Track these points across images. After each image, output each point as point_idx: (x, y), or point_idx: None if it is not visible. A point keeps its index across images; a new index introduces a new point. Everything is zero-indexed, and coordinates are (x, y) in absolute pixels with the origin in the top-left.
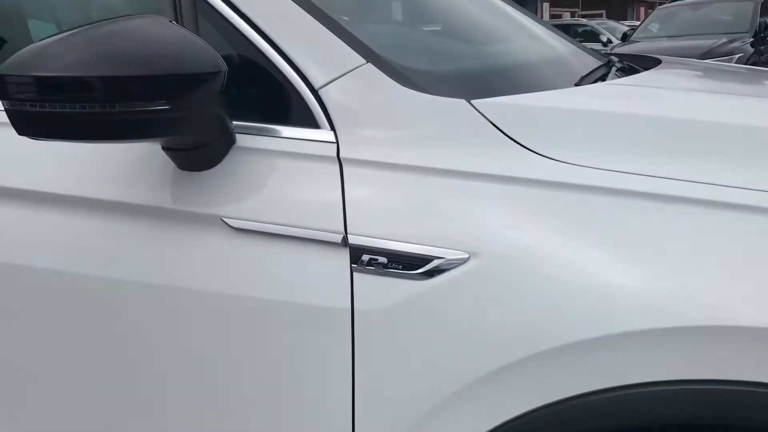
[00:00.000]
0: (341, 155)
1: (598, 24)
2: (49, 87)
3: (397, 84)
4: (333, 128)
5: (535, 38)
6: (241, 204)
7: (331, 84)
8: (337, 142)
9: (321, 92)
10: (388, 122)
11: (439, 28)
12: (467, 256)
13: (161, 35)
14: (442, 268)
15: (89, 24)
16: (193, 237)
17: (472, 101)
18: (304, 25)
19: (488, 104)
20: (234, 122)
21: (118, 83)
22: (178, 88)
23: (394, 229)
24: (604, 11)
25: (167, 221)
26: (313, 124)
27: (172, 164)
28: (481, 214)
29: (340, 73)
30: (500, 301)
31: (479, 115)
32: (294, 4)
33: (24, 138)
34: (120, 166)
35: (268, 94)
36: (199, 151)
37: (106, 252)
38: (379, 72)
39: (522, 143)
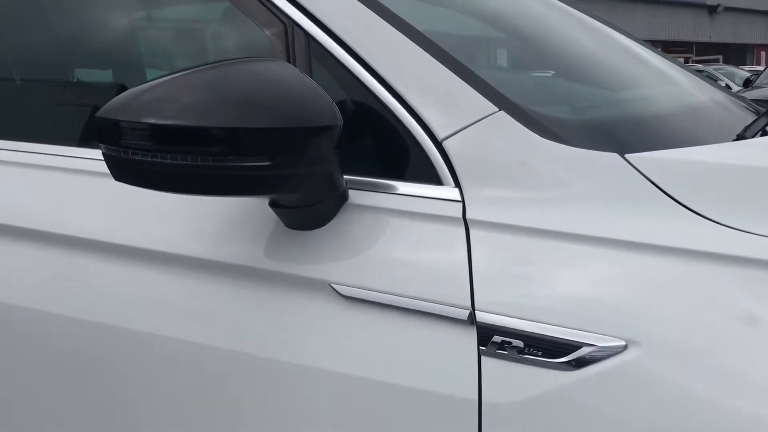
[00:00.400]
0: (468, 216)
1: (715, 69)
2: (158, 135)
3: (535, 134)
4: (458, 185)
5: (677, 83)
6: (352, 269)
7: (456, 134)
8: (463, 201)
9: (445, 144)
10: (524, 179)
11: (561, 71)
12: (624, 344)
13: (283, 81)
14: (592, 357)
15: (200, 66)
16: (298, 303)
17: (626, 156)
18: (426, 68)
19: (646, 159)
20: (346, 176)
21: (236, 135)
22: (293, 143)
23: (532, 306)
24: (720, 57)
25: (269, 284)
26: (436, 179)
27: (277, 221)
28: (642, 293)
29: (467, 123)
30: (663, 403)
31: (636, 172)
32: (414, 44)
33: (116, 190)
34: (219, 221)
35: (385, 146)
36: (308, 208)
37: (203, 316)
38: (514, 121)
39: (691, 207)
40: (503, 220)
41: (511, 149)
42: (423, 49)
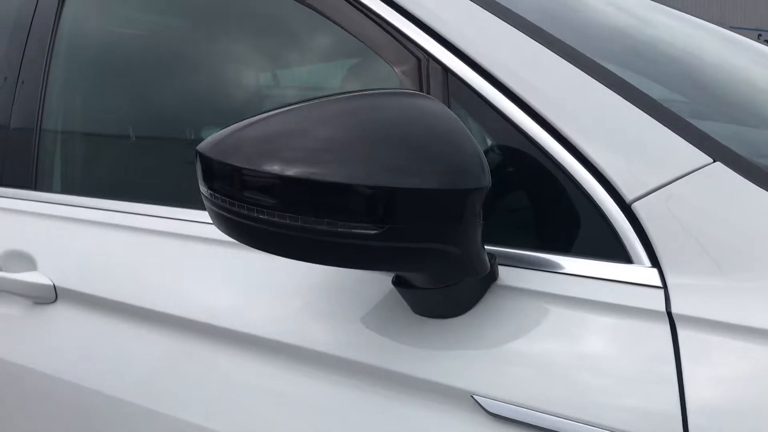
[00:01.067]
0: (673, 309)
1: None
2: (283, 191)
3: (763, 190)
4: (656, 263)
5: None
6: (503, 377)
7: (652, 194)
8: (665, 287)
9: (635, 207)
10: (755, 257)
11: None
12: None
13: (423, 124)
14: None
15: (323, 98)
16: (428, 418)
17: None
18: (604, 106)
19: None
20: (496, 248)
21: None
22: (417, 208)
23: None
24: None
25: (389, 390)
26: (621, 255)
27: (402, 305)
28: None
29: (667, 179)
30: None
31: None
32: (588, 77)
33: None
34: (331, 301)
35: (549, 208)
36: (443, 290)
37: (308, 417)
38: (736, 175)
39: None
40: (728, 318)
41: (732, 214)
42: (597, 80)
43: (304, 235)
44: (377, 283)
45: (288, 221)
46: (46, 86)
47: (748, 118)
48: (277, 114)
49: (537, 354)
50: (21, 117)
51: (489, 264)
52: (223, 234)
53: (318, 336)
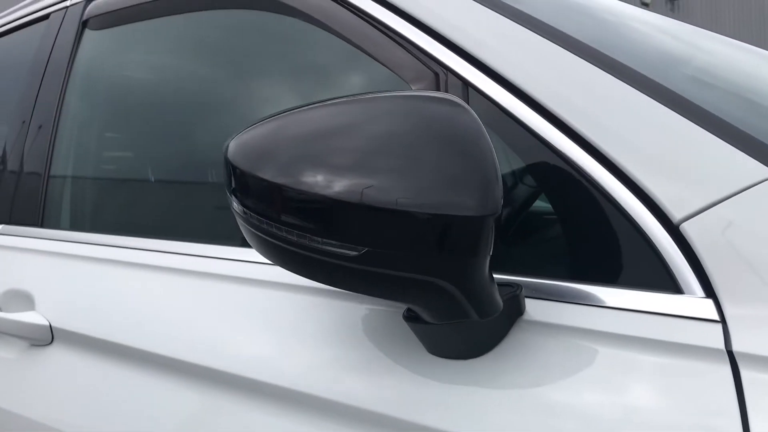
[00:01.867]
0: (734, 346)
1: None
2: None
3: None
4: (712, 293)
5: None
6: (530, 425)
7: (703, 213)
8: (723, 321)
9: (685, 227)
10: None
11: None
12: None
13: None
14: None
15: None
16: None
17: None
18: (643, 113)
19: None
20: (523, 279)
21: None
22: (398, 232)
23: None
24: None
25: None
26: (668, 284)
27: (417, 344)
28: None
29: (723, 194)
30: None
31: None
32: (618, 80)
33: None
34: (347, 339)
35: (581, 232)
36: (456, 326)
37: None
38: None
39: None
40: None
41: None
42: (634, 87)
43: (291, 247)
44: (393, 321)
45: (285, 234)
46: (56, 129)
47: None
48: (286, 119)
49: (571, 402)
50: (32, 158)
51: (499, 303)
52: (227, 270)
53: (327, 385)
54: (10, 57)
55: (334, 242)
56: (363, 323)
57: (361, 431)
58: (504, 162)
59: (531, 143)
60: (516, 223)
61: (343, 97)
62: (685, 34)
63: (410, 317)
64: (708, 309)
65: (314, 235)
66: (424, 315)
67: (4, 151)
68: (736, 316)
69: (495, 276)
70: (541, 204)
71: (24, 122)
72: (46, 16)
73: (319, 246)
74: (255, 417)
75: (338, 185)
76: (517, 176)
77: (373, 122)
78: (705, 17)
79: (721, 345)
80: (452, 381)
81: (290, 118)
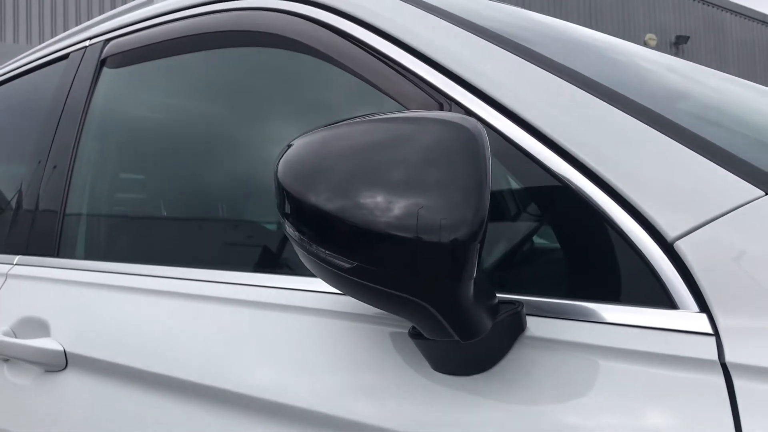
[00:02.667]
0: (727, 357)
1: None
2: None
3: None
4: (706, 308)
5: None
6: None
7: (696, 231)
8: (717, 334)
9: (679, 245)
10: None
11: None
12: None
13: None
14: None
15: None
16: None
17: None
18: (638, 139)
19: None
20: (522, 297)
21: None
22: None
23: None
24: None
25: None
26: (663, 300)
27: (422, 361)
28: None
29: (716, 213)
30: None
31: None
32: (612, 107)
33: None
34: (351, 358)
35: (582, 253)
36: (458, 343)
37: None
38: None
39: None
40: None
41: None
42: (632, 115)
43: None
44: (396, 340)
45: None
46: (73, 164)
47: None
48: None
49: (572, 415)
50: (49, 192)
51: (484, 326)
52: (232, 294)
53: (336, 403)
54: (32, 95)
55: (330, 252)
56: (372, 342)
57: None
58: (507, 186)
59: (533, 169)
60: (519, 244)
61: (366, 116)
62: (687, 69)
63: (415, 334)
64: (702, 323)
65: (312, 241)
66: (422, 331)
67: (22, 186)
68: (728, 329)
69: (499, 295)
70: (536, 224)
71: (42, 158)
72: (65, 56)
73: (321, 253)
74: None
75: (333, 204)
76: (519, 200)
77: (377, 145)
78: (710, 61)
79: (715, 357)
80: (455, 397)
81: (313, 141)
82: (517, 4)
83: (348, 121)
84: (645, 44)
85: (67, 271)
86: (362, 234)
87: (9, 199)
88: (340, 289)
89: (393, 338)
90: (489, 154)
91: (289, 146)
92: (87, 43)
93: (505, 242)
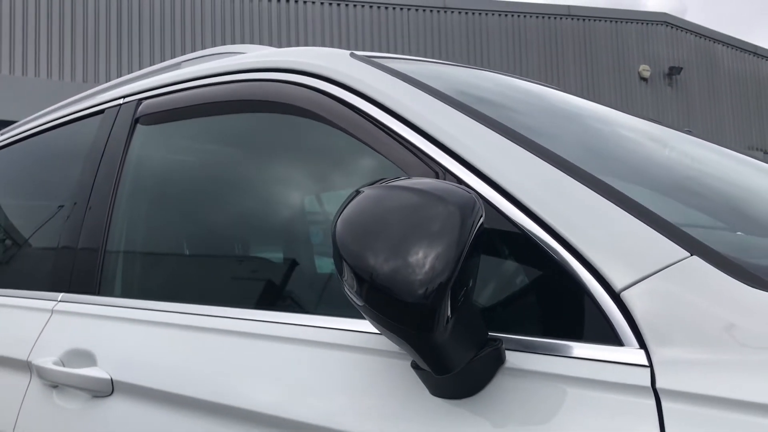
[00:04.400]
0: (658, 384)
1: None
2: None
3: (740, 282)
4: (643, 345)
5: None
6: None
7: (638, 284)
8: (651, 366)
9: (624, 295)
10: (729, 337)
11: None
12: None
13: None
14: None
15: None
16: None
17: None
18: (595, 210)
19: None
20: (503, 335)
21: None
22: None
23: None
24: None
25: None
26: (614, 338)
27: (422, 388)
28: None
29: (651, 270)
30: None
31: None
32: (580, 184)
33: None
34: (357, 383)
35: (550, 300)
36: (456, 373)
37: None
38: (710, 266)
39: None
40: (707, 391)
41: (709, 301)
42: (592, 189)
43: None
44: (399, 370)
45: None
46: (112, 210)
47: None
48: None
49: (540, 428)
50: (89, 235)
51: (456, 363)
52: (257, 328)
53: (344, 419)
54: (70, 146)
55: (348, 291)
56: (379, 372)
57: None
58: (496, 250)
59: (519, 237)
60: (503, 292)
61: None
62: (669, 139)
63: (414, 366)
64: (640, 357)
65: (344, 282)
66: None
67: (63, 229)
68: (660, 362)
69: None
70: (517, 278)
71: (83, 204)
72: (101, 111)
73: (345, 291)
74: None
75: (349, 259)
76: (501, 259)
77: (383, 213)
78: (702, 92)
79: (649, 384)
80: (449, 414)
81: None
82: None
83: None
84: (639, 74)
85: (109, 307)
86: (363, 282)
87: (50, 240)
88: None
89: (402, 369)
90: (471, 226)
91: (343, 209)
92: (121, 101)
93: (495, 290)
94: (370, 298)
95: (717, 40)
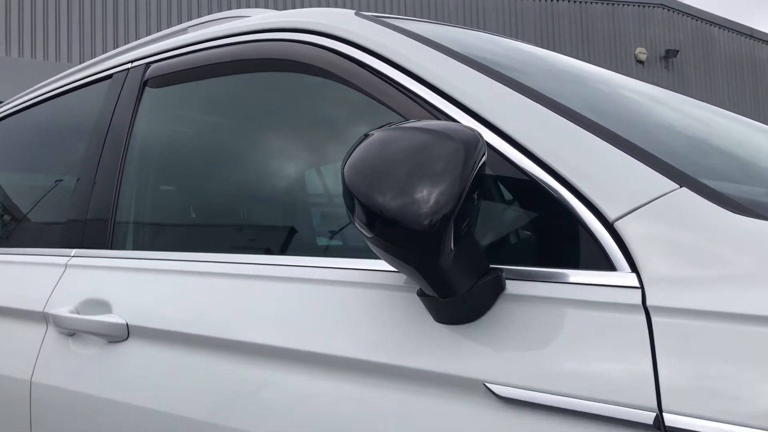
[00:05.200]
0: (648, 302)
1: None
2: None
3: (727, 211)
4: (635, 269)
5: None
6: (511, 366)
7: (630, 214)
8: (642, 287)
9: (617, 225)
10: (713, 257)
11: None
12: None
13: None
14: None
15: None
16: (447, 406)
17: None
18: (590, 148)
19: None
20: (504, 267)
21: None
22: (384, 228)
23: (735, 407)
24: None
25: (416, 385)
26: (607, 265)
27: (427, 316)
28: None
29: (643, 201)
30: None
31: None
32: (575, 125)
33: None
34: (364, 319)
35: (549, 233)
36: (456, 299)
37: (349, 418)
38: (698, 197)
39: None
40: (691, 305)
41: (698, 227)
42: (585, 129)
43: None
44: (405, 299)
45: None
46: (123, 170)
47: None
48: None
49: (540, 346)
50: (101, 194)
51: (459, 288)
52: (262, 271)
53: (354, 347)
54: (80, 110)
55: (358, 224)
56: (383, 304)
57: (380, 381)
58: (497, 187)
59: (510, 170)
60: (506, 227)
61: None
62: (661, 96)
63: (420, 294)
64: (632, 280)
65: (353, 216)
66: (422, 288)
67: (75, 189)
68: (650, 282)
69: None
70: (520, 214)
71: (93, 165)
72: (109, 76)
73: (355, 225)
74: (308, 384)
75: (358, 193)
76: (507, 196)
77: (391, 151)
78: (699, 75)
79: (639, 302)
80: (453, 338)
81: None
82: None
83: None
84: (635, 57)
85: (121, 259)
86: (373, 217)
87: (62, 200)
88: (374, 251)
89: (411, 300)
90: (474, 162)
91: (351, 152)
92: (129, 65)
93: (495, 225)
94: (380, 230)
95: (713, 23)
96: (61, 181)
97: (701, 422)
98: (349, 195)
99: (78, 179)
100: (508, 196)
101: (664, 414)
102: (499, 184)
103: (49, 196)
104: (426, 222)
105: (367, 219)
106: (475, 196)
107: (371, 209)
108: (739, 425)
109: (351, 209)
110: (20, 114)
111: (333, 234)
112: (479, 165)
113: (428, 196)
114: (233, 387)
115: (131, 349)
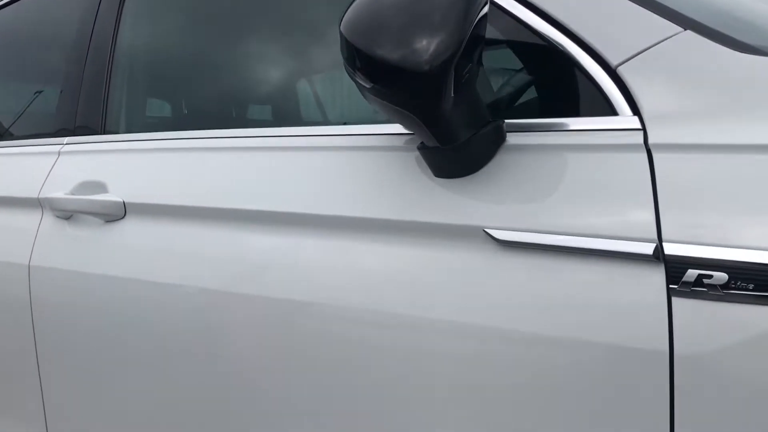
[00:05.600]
0: (650, 141)
1: None
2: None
3: (731, 50)
4: (637, 113)
5: None
6: (511, 211)
7: (634, 58)
8: (644, 128)
9: (620, 70)
10: (723, 94)
11: None
12: None
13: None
14: None
15: None
16: (448, 254)
17: None
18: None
19: None
20: (506, 120)
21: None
22: (385, 74)
23: (735, 230)
24: None
25: (419, 237)
26: (609, 110)
27: (427, 173)
28: None
29: (647, 45)
30: None
31: None
32: None
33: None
34: (366, 177)
35: (549, 82)
36: (455, 151)
37: (358, 275)
38: (704, 39)
39: None
40: (693, 140)
41: (701, 66)
42: None
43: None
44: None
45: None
46: (113, 59)
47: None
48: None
49: (541, 190)
50: (92, 80)
51: (459, 136)
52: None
53: (357, 206)
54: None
55: (359, 76)
56: (382, 164)
57: (382, 237)
58: (502, 40)
59: (509, 21)
60: (502, 80)
61: None
62: None
63: (420, 147)
64: (633, 122)
65: (350, 68)
66: (421, 139)
67: (66, 79)
68: (652, 122)
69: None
70: (521, 65)
71: (83, 52)
72: None
73: (353, 77)
74: (308, 244)
75: (357, 42)
76: (501, 48)
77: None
78: None
79: (641, 141)
80: (453, 190)
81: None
82: None
83: None
84: None
85: (115, 142)
86: (374, 62)
87: (51, 90)
88: (373, 105)
89: (414, 159)
90: (476, 9)
91: (347, 11)
92: None
93: (496, 78)
94: (382, 78)
95: None
96: (50, 69)
97: (701, 248)
98: (347, 47)
99: (68, 64)
100: (506, 47)
101: (664, 243)
102: (498, 36)
103: (38, 85)
104: (426, 66)
105: (368, 68)
106: (477, 42)
107: (372, 57)
108: (740, 247)
109: (351, 62)
110: (11, 6)
111: (327, 104)
112: (480, 14)
113: (429, 43)
114: (236, 255)
115: (128, 227)
